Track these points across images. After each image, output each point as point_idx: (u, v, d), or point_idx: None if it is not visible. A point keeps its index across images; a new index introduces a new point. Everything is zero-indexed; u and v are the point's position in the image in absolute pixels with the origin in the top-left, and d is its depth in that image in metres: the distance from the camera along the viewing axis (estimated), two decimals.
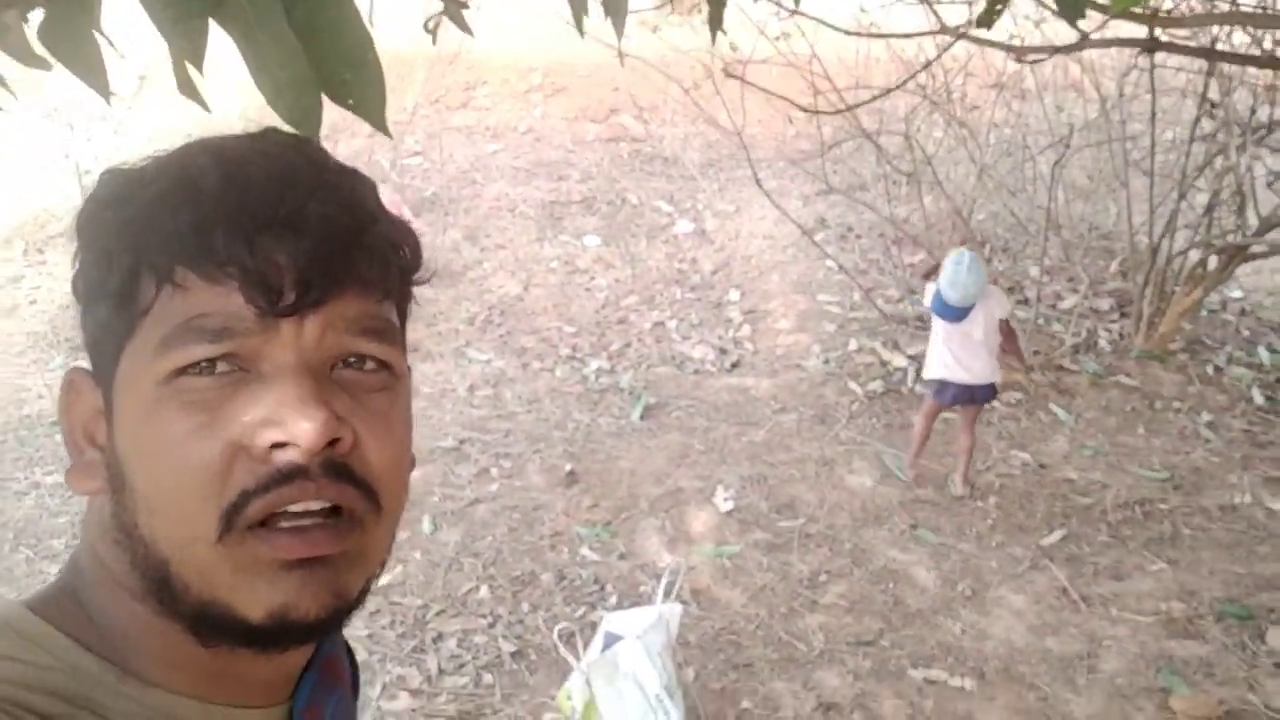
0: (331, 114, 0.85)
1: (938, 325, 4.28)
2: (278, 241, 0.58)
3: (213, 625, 0.59)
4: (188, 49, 0.87)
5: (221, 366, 0.58)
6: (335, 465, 0.59)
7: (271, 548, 0.57)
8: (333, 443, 0.58)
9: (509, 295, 6.31)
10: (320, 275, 0.59)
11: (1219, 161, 5.54)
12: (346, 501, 0.59)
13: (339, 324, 0.60)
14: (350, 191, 0.63)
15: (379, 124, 0.98)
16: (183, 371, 0.58)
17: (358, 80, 0.95)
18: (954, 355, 4.23)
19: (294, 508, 0.58)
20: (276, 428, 0.57)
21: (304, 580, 0.58)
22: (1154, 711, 3.21)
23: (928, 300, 4.29)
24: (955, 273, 4.08)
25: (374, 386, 0.62)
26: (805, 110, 5.14)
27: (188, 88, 1.00)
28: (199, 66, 0.91)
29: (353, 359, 0.62)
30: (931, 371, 4.35)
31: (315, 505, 0.58)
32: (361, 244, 0.62)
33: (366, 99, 0.96)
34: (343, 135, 7.16)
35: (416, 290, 0.70)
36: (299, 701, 0.68)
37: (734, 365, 5.67)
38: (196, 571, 0.58)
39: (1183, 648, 3.51)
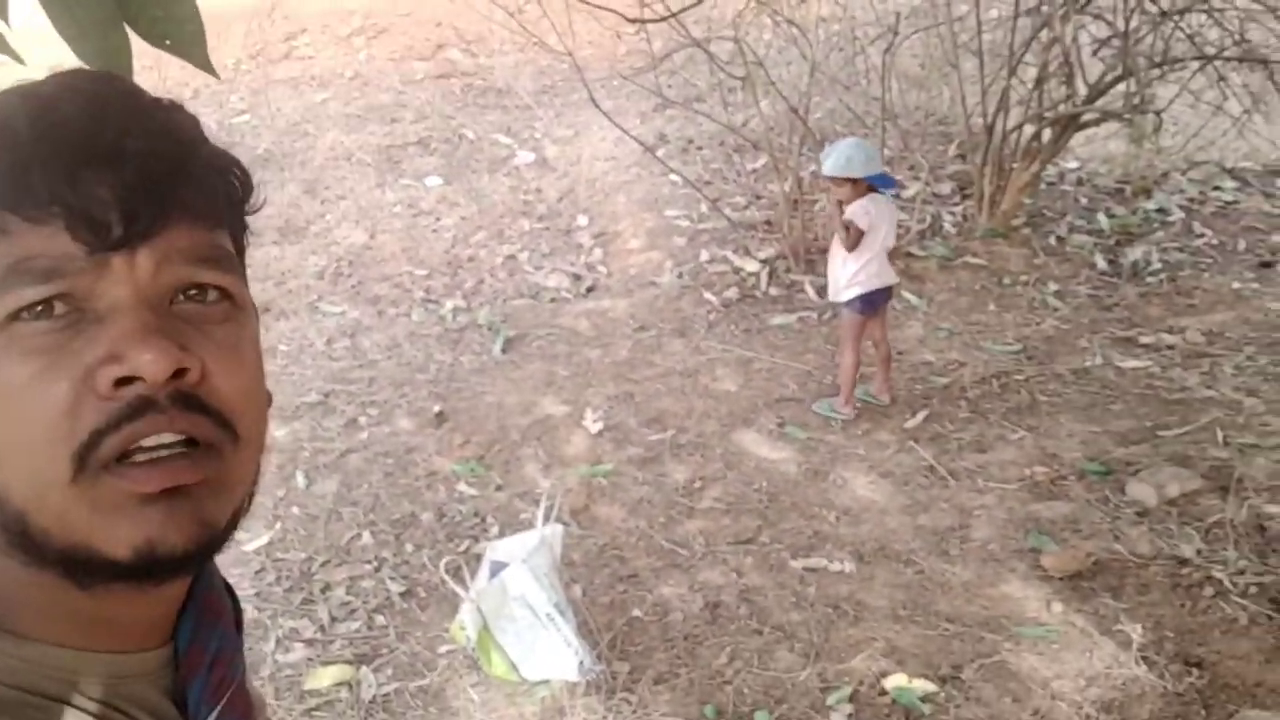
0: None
1: (869, 238, 4.02)
2: (98, 175, 0.56)
3: (81, 569, 0.57)
4: None
5: (59, 308, 0.56)
6: (185, 396, 0.57)
7: (129, 482, 0.56)
8: (180, 373, 0.57)
9: (356, 245, 6.11)
10: (146, 206, 0.57)
11: (1045, 34, 5.61)
12: (201, 432, 0.58)
13: (173, 255, 0.59)
14: (168, 121, 0.62)
15: (201, 63, 0.92)
16: (15, 317, 0.55)
17: (170, 16, 0.90)
18: (879, 262, 4.07)
19: (147, 442, 0.56)
20: (119, 363, 0.55)
21: (168, 512, 0.57)
22: (1026, 571, 3.29)
23: (863, 211, 4.01)
24: (859, 150, 4.04)
25: (218, 318, 0.61)
26: (632, 21, 5.01)
27: None
28: (3, 15, 0.87)
29: (193, 290, 0.60)
30: (863, 286, 4.09)
31: (169, 438, 0.57)
32: (186, 172, 0.60)
33: (182, 36, 0.91)
34: None
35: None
36: (180, 641, 0.67)
37: (589, 289, 5.60)
38: (54, 517, 0.56)
39: (1049, 509, 3.60)
